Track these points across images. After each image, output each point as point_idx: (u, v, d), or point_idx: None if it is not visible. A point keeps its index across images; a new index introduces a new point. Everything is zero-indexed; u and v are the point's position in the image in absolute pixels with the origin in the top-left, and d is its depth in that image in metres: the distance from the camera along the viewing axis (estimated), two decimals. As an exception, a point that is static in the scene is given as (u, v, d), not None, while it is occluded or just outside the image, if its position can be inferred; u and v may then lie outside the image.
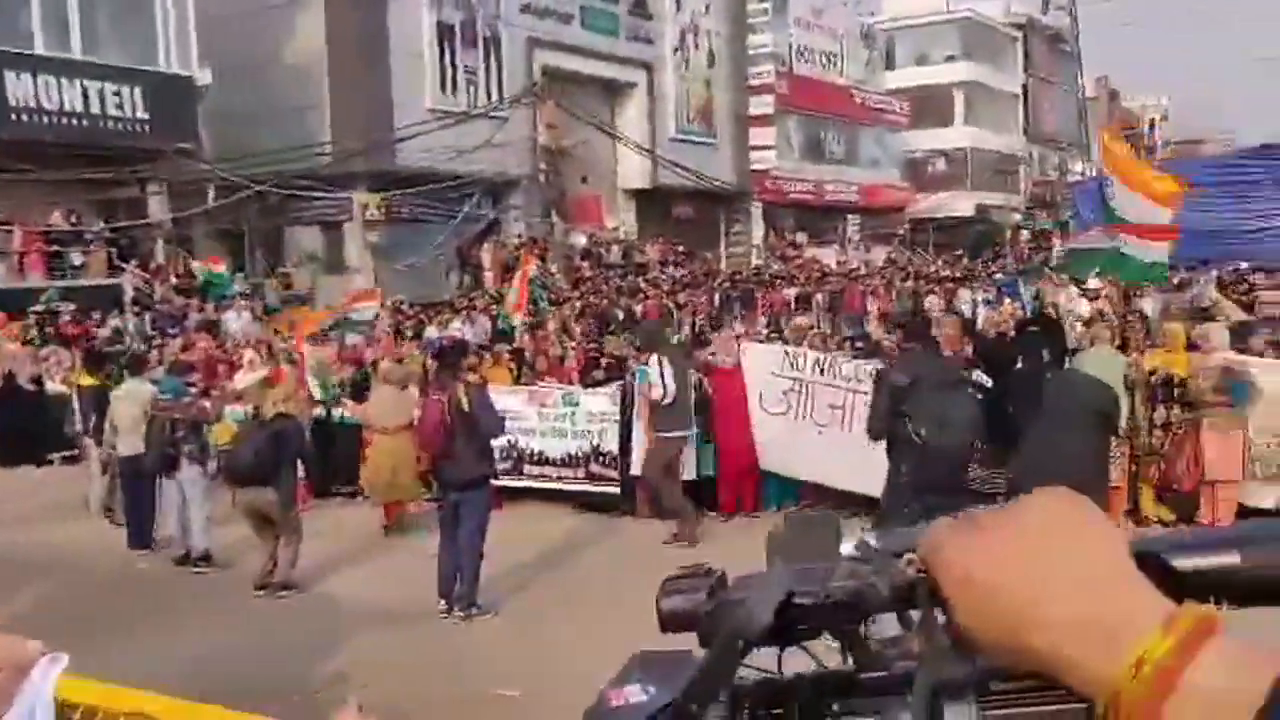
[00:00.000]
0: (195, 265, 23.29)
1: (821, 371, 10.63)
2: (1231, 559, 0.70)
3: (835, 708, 0.78)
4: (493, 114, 27.75)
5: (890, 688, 0.75)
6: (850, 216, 42.39)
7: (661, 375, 9.80)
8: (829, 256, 36.26)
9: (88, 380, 12.95)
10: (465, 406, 7.96)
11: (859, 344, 11.86)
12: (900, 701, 0.73)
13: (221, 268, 23.44)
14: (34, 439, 14.53)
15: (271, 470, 8.73)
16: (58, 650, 1.36)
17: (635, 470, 10.59)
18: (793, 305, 23.81)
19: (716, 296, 25.14)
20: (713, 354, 11.28)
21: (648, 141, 32.40)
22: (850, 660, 0.80)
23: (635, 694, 0.84)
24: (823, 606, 0.74)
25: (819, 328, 15.58)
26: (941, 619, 0.69)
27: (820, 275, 29.26)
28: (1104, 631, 0.61)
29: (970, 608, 0.66)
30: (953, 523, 0.70)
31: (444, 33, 26.85)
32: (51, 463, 14.30)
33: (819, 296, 24.94)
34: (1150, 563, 0.68)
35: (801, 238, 38.84)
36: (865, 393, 10.37)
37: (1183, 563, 0.71)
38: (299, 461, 9.45)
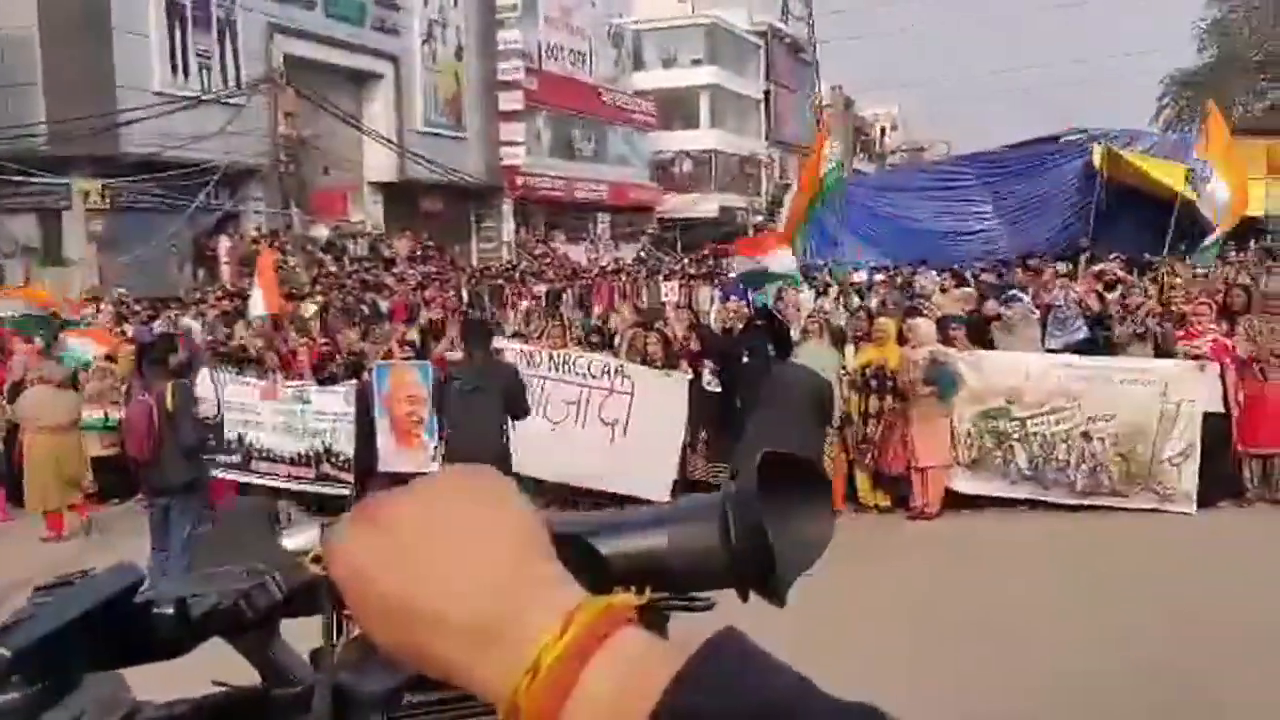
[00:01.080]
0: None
1: (557, 368, 10.67)
2: (659, 540, 0.65)
3: None
4: (227, 100, 26.51)
5: (299, 704, 0.68)
6: (600, 215, 42.89)
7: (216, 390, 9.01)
8: (580, 254, 36.56)
9: None
10: (170, 407, 7.53)
11: (595, 338, 11.95)
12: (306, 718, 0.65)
13: None
14: None
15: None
16: None
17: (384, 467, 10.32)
18: (543, 301, 23.81)
19: (465, 292, 24.85)
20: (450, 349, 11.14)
21: (395, 134, 31.75)
22: (260, 676, 0.72)
23: None
24: (214, 613, 0.65)
25: (565, 323, 15.62)
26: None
27: (571, 272, 29.42)
28: (499, 631, 0.55)
29: (364, 609, 0.59)
30: (355, 511, 0.63)
31: (173, 11, 25.44)
32: None
33: (569, 293, 25.04)
34: (574, 546, 0.63)
35: (553, 235, 39.02)
36: (603, 389, 10.54)
37: (608, 546, 0.65)
38: None
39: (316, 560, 0.64)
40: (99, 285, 22.68)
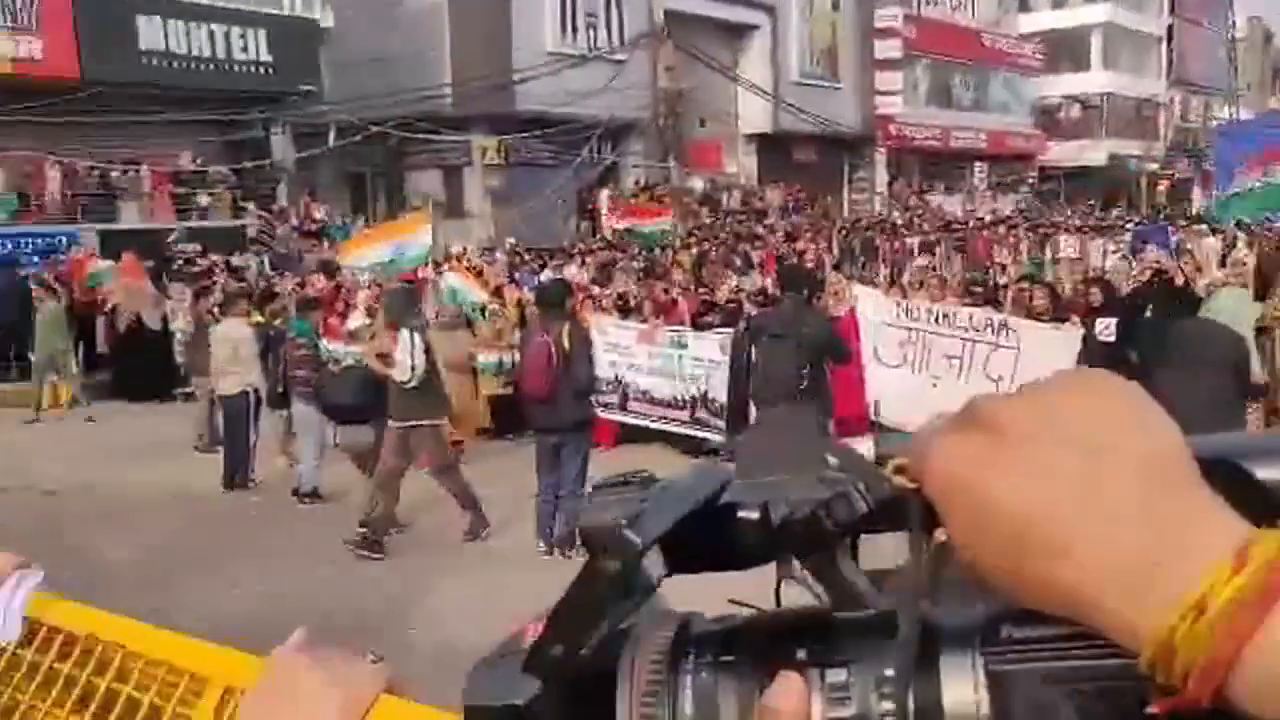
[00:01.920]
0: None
1: (937, 321, 10.25)
2: None
3: (801, 654, 0.57)
4: (611, 57, 27.49)
5: (874, 631, 0.57)
6: (978, 164, 41.10)
7: (411, 350, 8.32)
8: (954, 205, 35.25)
9: (257, 319, 13.08)
10: (567, 348, 7.84)
11: (977, 289, 11.39)
12: (886, 647, 0.55)
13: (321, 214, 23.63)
14: (158, 376, 14.96)
15: (370, 410, 8.76)
16: (33, 568, 1.32)
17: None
18: (916, 254, 23.16)
19: (836, 244, 24.60)
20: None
21: (769, 85, 31.78)
22: (824, 596, 0.60)
23: None
24: (790, 523, 0.57)
25: (943, 275, 15.09)
26: (941, 544, 0.52)
27: (945, 224, 28.42)
28: (1149, 563, 0.45)
29: (972, 531, 0.49)
30: (955, 419, 0.51)
31: (565, -27, 26.68)
32: (175, 399, 14.68)
33: (943, 245, 24.21)
34: (1224, 473, 0.48)
35: (928, 185, 37.86)
36: (985, 342, 10.03)
37: (1271, 473, 0.50)
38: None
39: (900, 471, 0.54)
40: (493, 236, 24.30)
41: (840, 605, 0.61)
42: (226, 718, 1.05)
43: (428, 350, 8.35)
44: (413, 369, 8.15)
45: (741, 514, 0.59)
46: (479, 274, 16.26)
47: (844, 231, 26.14)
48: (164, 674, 1.14)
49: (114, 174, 21.26)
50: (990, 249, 23.32)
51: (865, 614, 0.59)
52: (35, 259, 17.99)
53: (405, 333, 8.28)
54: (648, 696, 0.59)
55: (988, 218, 30.03)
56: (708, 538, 0.59)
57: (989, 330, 10.05)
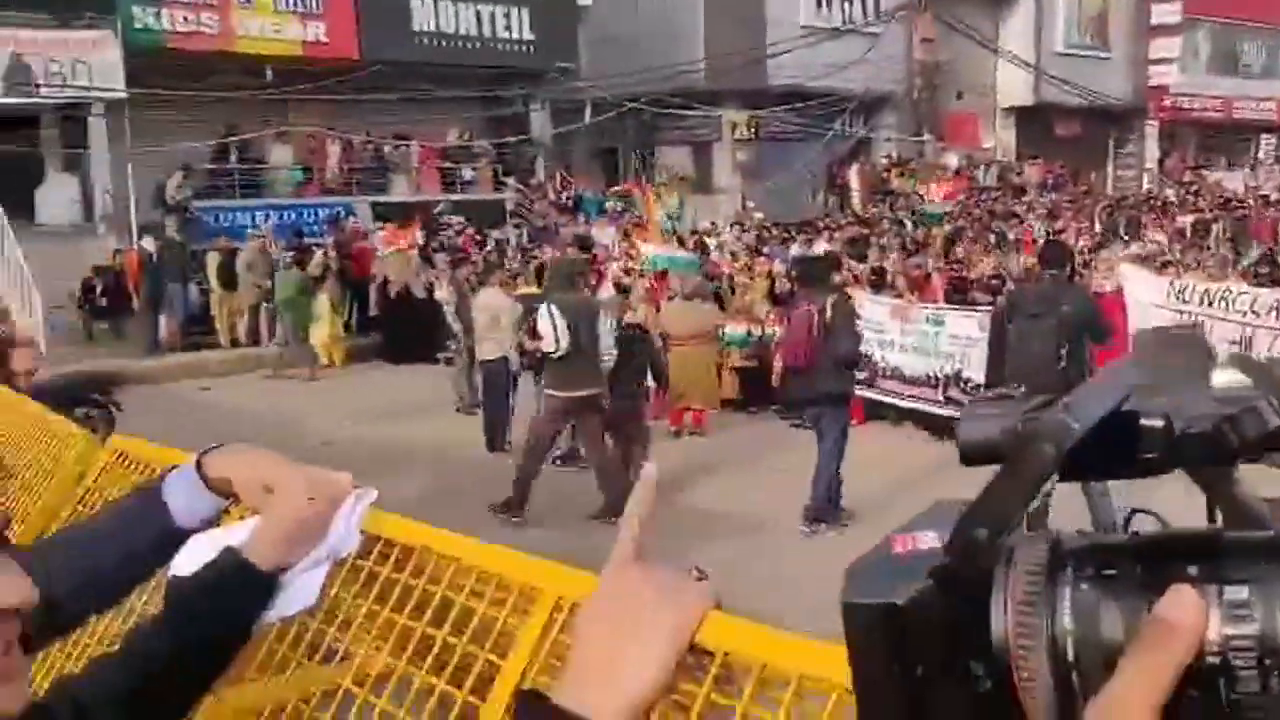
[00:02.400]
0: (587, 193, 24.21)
1: (1213, 304, 9.60)
2: None
3: (1193, 571, 0.56)
4: (866, 29, 26.96)
5: (1276, 552, 0.55)
6: (1265, 136, 37.99)
7: (553, 323, 8.30)
8: (1235, 181, 32.75)
9: (530, 289, 13.69)
10: (829, 320, 7.80)
11: (1262, 271, 10.58)
12: None
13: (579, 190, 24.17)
14: (423, 341, 15.80)
15: (618, 376, 8.98)
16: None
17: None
18: (1188, 233, 21.69)
19: (1099, 221, 23.33)
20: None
21: (1031, 55, 30.39)
22: (1217, 515, 0.59)
23: (926, 540, 0.66)
24: (1191, 435, 0.56)
25: (1223, 256, 14.10)
26: None
27: (1224, 201, 26.46)
28: None
29: None
30: None
31: (821, -54, 26.31)
32: (437, 363, 15.47)
33: (1220, 224, 22.55)
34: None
35: (1206, 160, 35.34)
36: (1268, 328, 9.36)
37: None
38: (649, 371, 9.66)
39: None
40: (741, 211, 24.34)
41: (1235, 524, 0.60)
42: (557, 628, 1.12)
43: (581, 322, 8.42)
44: (557, 340, 8.28)
45: (1144, 422, 0.58)
46: (679, 240, 16.54)
47: (1109, 210, 24.76)
48: (495, 586, 1.22)
49: (387, 149, 22.53)
50: (1276, 228, 21.59)
51: (1263, 535, 0.58)
52: (317, 228, 19.34)
53: (544, 306, 8.49)
54: (1025, 606, 0.60)
55: (1274, 195, 27.76)
56: (1105, 444, 0.59)
57: (1273, 314, 9.37)
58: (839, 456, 8.00)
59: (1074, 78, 30.27)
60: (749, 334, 12.19)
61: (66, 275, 16.75)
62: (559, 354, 8.37)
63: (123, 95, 18.54)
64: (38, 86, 18.00)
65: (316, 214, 20.13)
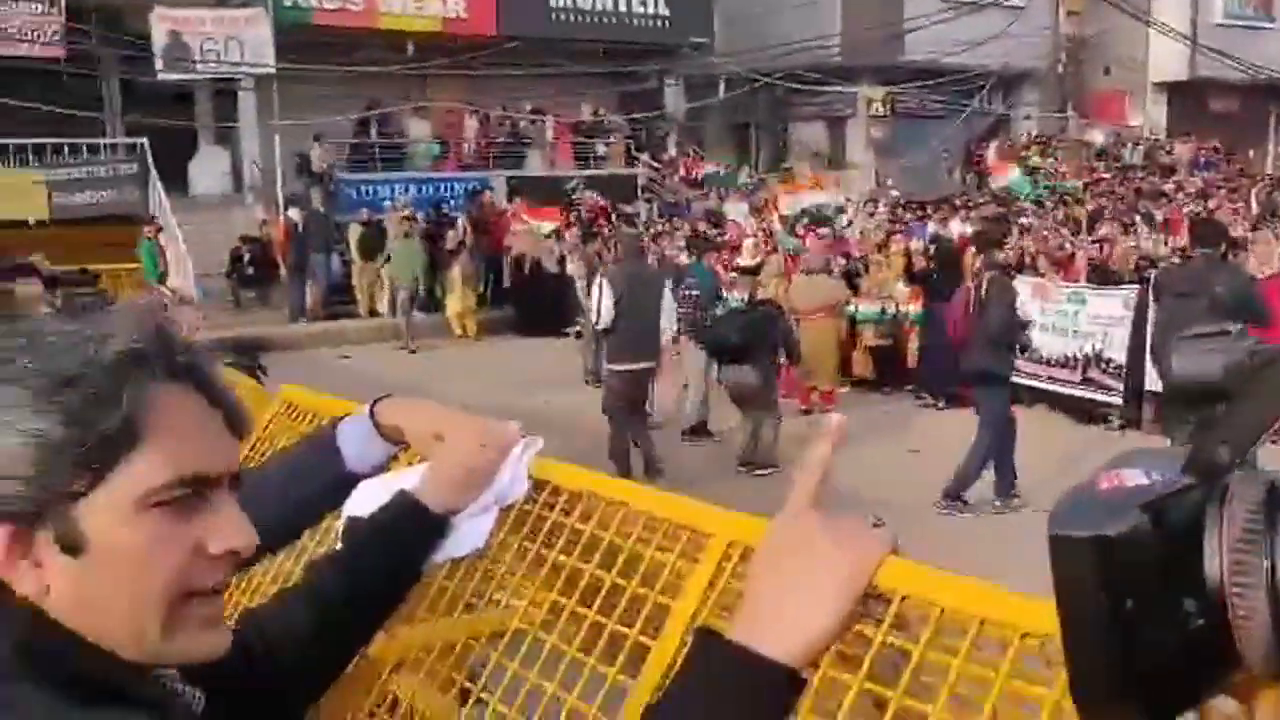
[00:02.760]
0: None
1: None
2: None
3: None
4: (1008, 3, 26.21)
5: None
6: None
7: (599, 296, 8.37)
8: None
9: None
10: (982, 296, 7.67)
11: None
12: None
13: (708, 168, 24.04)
14: (553, 314, 16.03)
15: (753, 352, 8.96)
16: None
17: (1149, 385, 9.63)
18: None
19: (1255, 203, 22.28)
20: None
21: (1187, 27, 29.10)
22: None
23: (1134, 476, 0.66)
24: None
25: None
26: None
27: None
28: None
29: None
30: None
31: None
32: (567, 335, 15.66)
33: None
34: None
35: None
36: None
37: None
38: (779, 346, 9.62)
39: None
40: (875, 189, 23.99)
41: None
42: (729, 572, 1.14)
43: (634, 295, 8.50)
44: (598, 313, 8.48)
45: None
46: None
47: (1268, 189, 23.63)
48: (663, 533, 1.24)
49: (522, 124, 22.84)
50: None
51: None
52: (454, 202, 19.75)
53: (598, 279, 8.78)
54: (1243, 544, 0.60)
55: None
56: None
57: None
58: (991, 440, 7.82)
59: (1234, 50, 28.84)
60: (883, 312, 12.02)
61: (216, 245, 17.44)
62: (603, 326, 8.59)
63: (271, 71, 19.16)
64: (194, 63, 18.73)
65: (453, 188, 20.53)
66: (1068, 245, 13.00)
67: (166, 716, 0.93)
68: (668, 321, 8.80)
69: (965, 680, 0.96)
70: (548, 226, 18.09)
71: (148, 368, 0.91)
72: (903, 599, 0.97)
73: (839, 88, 25.48)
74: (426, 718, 1.48)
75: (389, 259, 16.73)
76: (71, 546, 0.87)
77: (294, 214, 17.69)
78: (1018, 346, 8.34)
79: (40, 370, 0.87)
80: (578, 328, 14.49)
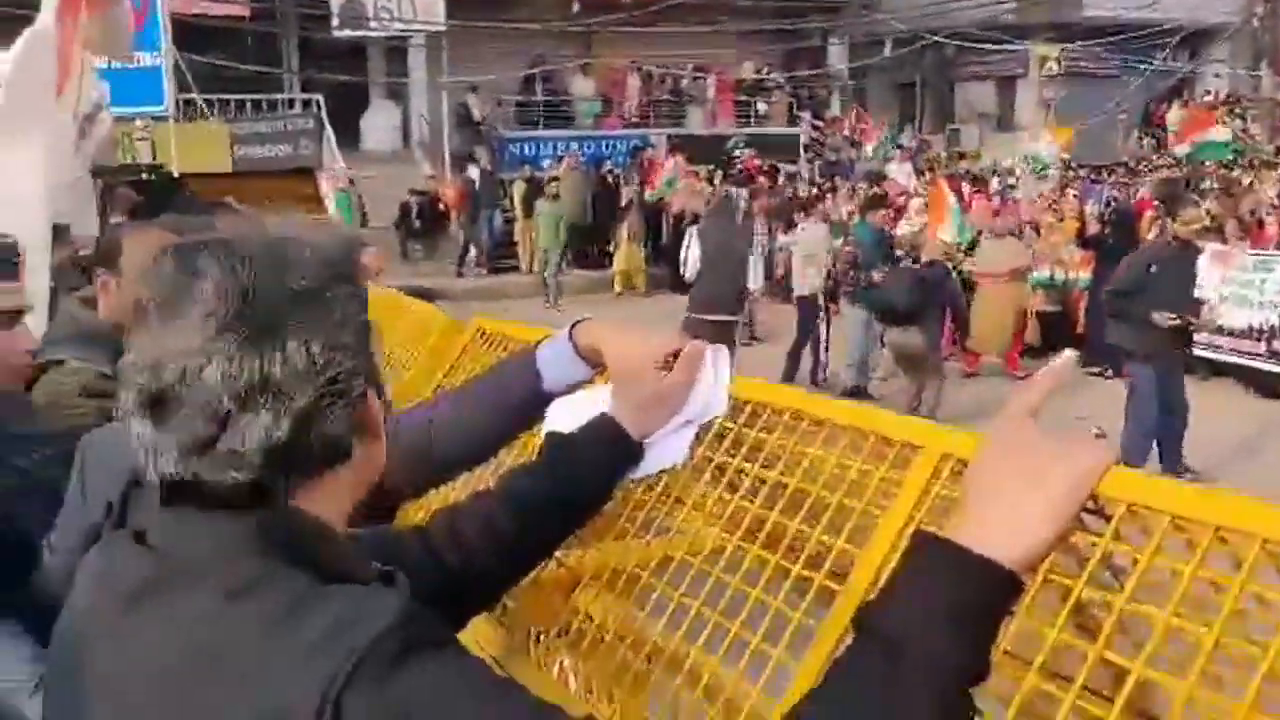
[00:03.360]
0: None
1: None
2: None
3: None
4: (1202, -47, 24.83)
5: None
6: None
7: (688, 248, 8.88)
8: None
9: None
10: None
11: None
12: None
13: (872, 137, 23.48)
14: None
15: (919, 313, 8.80)
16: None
17: None
18: None
19: None
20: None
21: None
22: None
23: None
24: None
25: None
26: None
27: None
28: None
29: None
30: None
31: None
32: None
33: None
34: None
35: None
36: None
37: None
38: (947, 308, 9.43)
39: None
40: (1045, 151, 23.12)
41: None
42: (941, 483, 1.14)
43: (718, 252, 8.99)
44: (684, 265, 9.36)
45: None
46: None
47: None
48: (867, 452, 1.26)
49: (684, 81, 22.78)
50: None
51: None
52: (616, 160, 19.87)
53: (688, 234, 9.36)
54: None
55: None
56: None
57: None
58: (1154, 411, 7.48)
59: None
60: (1052, 277, 11.64)
61: (385, 198, 17.96)
62: (689, 278, 9.34)
63: (441, 28, 19.56)
64: (368, 20, 19.26)
65: (614, 145, 20.65)
66: (1259, 210, 12.31)
67: (398, 590, 0.99)
68: (753, 277, 9.57)
69: (1192, 591, 0.95)
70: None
71: None
72: (1129, 507, 0.96)
73: (1009, 46, 24.59)
74: (621, 634, 1.51)
75: (535, 222, 16.77)
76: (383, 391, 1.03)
77: (472, 171, 18.10)
78: (1181, 320, 7.84)
79: None
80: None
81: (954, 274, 10.02)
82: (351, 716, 0.81)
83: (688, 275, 9.26)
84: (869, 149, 22.73)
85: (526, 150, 19.90)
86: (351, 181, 16.85)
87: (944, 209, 12.25)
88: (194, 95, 17.53)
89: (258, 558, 0.91)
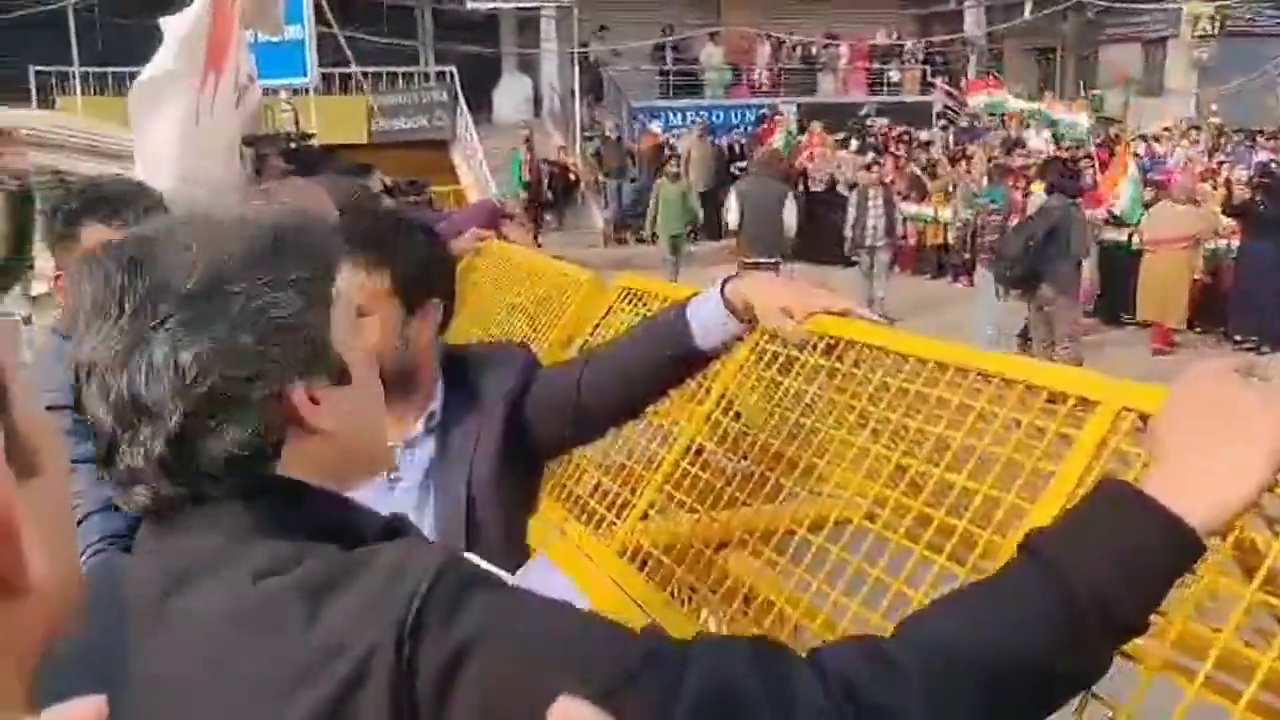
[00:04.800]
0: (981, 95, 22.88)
1: None
2: None
3: None
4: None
5: None
6: None
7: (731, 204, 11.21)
8: None
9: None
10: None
11: None
12: None
13: (1001, 92, 22.69)
14: (839, 241, 15.76)
15: (1048, 265, 8.62)
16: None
17: None
18: None
19: None
20: None
21: None
22: None
23: None
24: None
25: None
26: None
27: None
28: None
29: None
30: None
31: None
32: (853, 265, 15.35)
33: None
34: None
35: None
36: None
37: None
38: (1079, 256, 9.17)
39: None
40: (1193, 116, 22.19)
41: None
42: (1119, 438, 1.11)
43: (756, 203, 10.98)
44: (729, 216, 11.19)
45: None
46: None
47: None
48: (1039, 409, 1.22)
49: (815, 49, 22.46)
50: None
51: None
52: (745, 128, 19.72)
53: (730, 190, 11.58)
54: None
55: None
56: None
57: None
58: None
59: None
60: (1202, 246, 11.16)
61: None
62: (733, 227, 11.23)
63: (572, -2, 19.69)
64: (501, -9, 19.50)
65: (743, 114, 20.50)
66: None
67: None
68: (790, 224, 11.14)
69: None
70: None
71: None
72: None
73: (1159, 5, 23.57)
74: (773, 594, 1.51)
75: (656, 200, 15.30)
76: (342, 373, 0.95)
77: (594, 142, 18.20)
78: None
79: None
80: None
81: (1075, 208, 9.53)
82: (426, 659, 0.81)
83: (731, 225, 11.21)
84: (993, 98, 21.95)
85: (655, 119, 19.89)
86: (529, 140, 17.29)
87: (1122, 176, 11.86)
88: (334, 70, 17.99)
89: (274, 539, 0.89)
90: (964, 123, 21.38)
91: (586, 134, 19.22)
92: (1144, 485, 0.91)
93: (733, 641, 0.92)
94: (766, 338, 1.70)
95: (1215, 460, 0.90)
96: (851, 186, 16.08)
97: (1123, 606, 0.86)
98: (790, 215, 11.04)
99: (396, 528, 0.98)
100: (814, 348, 1.59)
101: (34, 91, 16.19)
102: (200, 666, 0.85)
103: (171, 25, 3.57)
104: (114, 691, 0.87)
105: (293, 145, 7.35)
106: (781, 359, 1.68)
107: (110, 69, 16.79)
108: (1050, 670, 0.87)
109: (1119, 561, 0.87)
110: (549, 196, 18.22)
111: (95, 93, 16.85)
